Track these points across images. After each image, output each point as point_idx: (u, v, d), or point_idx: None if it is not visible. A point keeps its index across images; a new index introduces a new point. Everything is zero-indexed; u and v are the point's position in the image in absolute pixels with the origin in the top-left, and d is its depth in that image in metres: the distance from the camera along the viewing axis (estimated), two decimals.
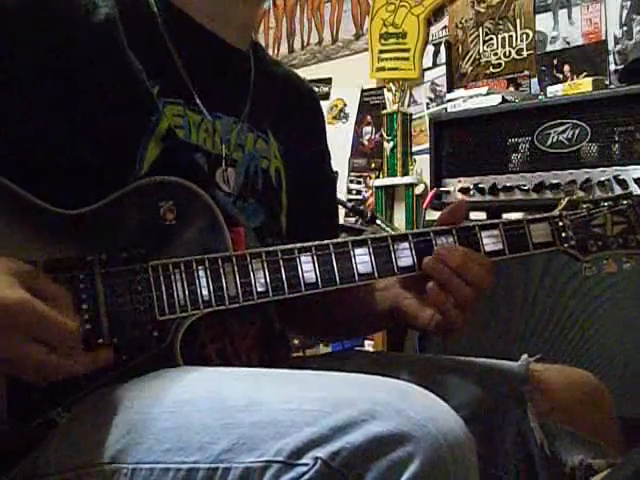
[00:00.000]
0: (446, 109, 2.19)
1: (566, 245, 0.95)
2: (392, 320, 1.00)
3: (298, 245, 0.89)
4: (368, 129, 3.05)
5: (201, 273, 0.85)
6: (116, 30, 0.91)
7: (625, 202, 0.97)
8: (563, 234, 0.95)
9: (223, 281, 0.85)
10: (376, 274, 0.90)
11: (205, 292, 0.84)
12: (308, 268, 0.88)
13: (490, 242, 0.93)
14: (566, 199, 0.97)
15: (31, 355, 0.71)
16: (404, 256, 0.91)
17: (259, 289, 0.86)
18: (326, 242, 0.89)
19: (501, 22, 2.61)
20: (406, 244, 0.92)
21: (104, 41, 0.90)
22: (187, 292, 0.84)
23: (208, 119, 0.96)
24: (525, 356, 0.97)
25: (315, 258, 0.88)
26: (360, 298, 1.03)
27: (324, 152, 1.20)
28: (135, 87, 0.90)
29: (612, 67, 2.30)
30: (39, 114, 0.86)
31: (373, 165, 3.01)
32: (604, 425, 0.94)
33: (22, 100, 0.86)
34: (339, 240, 0.90)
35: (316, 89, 3.12)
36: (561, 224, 0.95)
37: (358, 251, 0.90)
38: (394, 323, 1.02)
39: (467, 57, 2.71)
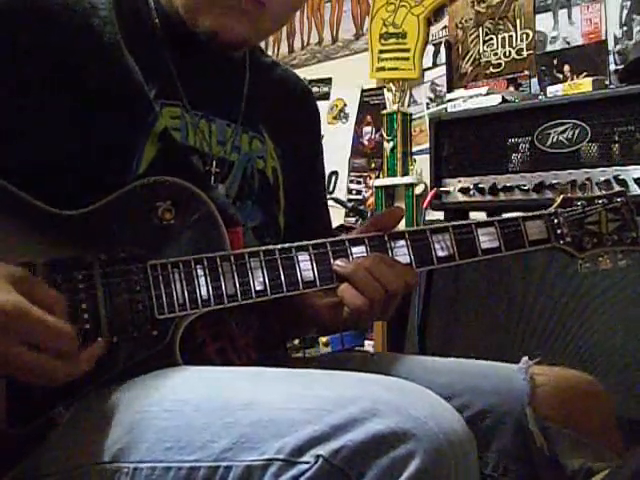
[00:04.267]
0: (446, 109, 2.19)
1: (561, 242, 0.96)
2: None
3: (296, 244, 0.89)
4: (368, 129, 3.05)
5: (200, 272, 0.85)
6: (114, 32, 0.91)
7: (619, 200, 0.98)
8: (558, 231, 0.96)
9: (222, 280, 0.85)
10: None
11: (204, 291, 0.84)
12: (306, 267, 0.88)
13: (486, 239, 0.94)
14: (561, 197, 0.98)
15: (27, 359, 0.71)
16: (401, 254, 0.92)
17: (257, 288, 0.86)
18: (323, 241, 0.90)
19: (501, 22, 2.61)
20: (403, 242, 0.92)
21: (102, 43, 0.90)
22: (186, 291, 0.84)
23: (204, 122, 0.97)
24: (525, 359, 0.97)
25: (312, 256, 0.89)
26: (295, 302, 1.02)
27: (318, 149, 1.21)
28: (131, 88, 0.90)
29: (612, 67, 2.30)
30: (37, 115, 0.86)
31: (373, 165, 3.01)
32: (604, 428, 0.94)
33: (20, 101, 0.86)
34: (336, 239, 0.91)
35: (316, 89, 3.12)
36: (556, 221, 0.96)
37: (355, 249, 0.90)
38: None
39: (467, 57, 2.71)
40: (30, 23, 0.87)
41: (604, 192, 0.99)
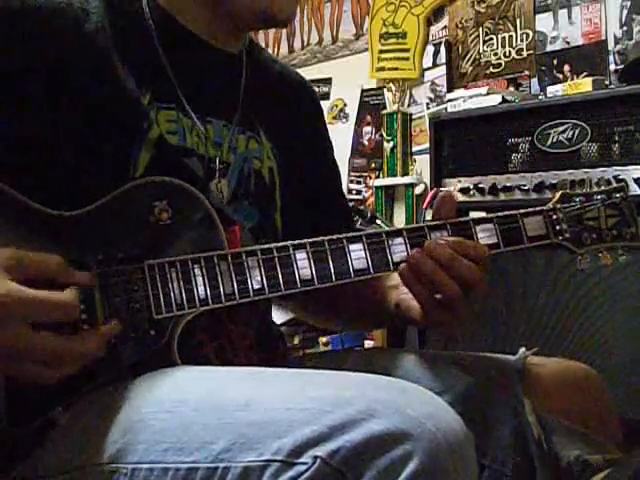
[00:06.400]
0: (446, 109, 2.20)
1: (560, 238, 0.95)
2: (394, 317, 1.01)
3: (293, 242, 0.89)
4: (368, 129, 3.05)
5: (197, 271, 0.85)
6: (106, 39, 0.91)
7: (618, 195, 0.97)
8: (557, 227, 0.95)
9: (219, 279, 0.85)
10: (371, 270, 0.90)
11: (201, 290, 0.84)
12: (303, 265, 0.88)
13: (485, 236, 0.93)
14: (559, 192, 0.97)
15: (37, 341, 0.72)
16: (399, 251, 0.91)
17: (255, 286, 0.86)
18: (321, 239, 0.89)
19: (501, 22, 2.61)
20: (400, 239, 0.92)
21: (94, 51, 0.90)
22: (183, 290, 0.84)
23: (199, 123, 0.97)
24: (522, 350, 0.97)
25: (310, 255, 0.89)
26: (369, 292, 1.03)
27: (325, 147, 1.20)
28: (123, 97, 0.90)
29: (612, 67, 2.30)
30: (32, 119, 0.86)
31: (373, 165, 3.01)
32: (602, 418, 0.94)
33: (15, 105, 0.86)
34: (334, 236, 0.90)
35: (316, 89, 3.12)
36: (555, 217, 0.95)
37: (353, 247, 0.90)
38: (396, 320, 1.03)
39: (467, 57, 2.71)
40: (21, 31, 0.87)
41: (603, 188, 0.98)
